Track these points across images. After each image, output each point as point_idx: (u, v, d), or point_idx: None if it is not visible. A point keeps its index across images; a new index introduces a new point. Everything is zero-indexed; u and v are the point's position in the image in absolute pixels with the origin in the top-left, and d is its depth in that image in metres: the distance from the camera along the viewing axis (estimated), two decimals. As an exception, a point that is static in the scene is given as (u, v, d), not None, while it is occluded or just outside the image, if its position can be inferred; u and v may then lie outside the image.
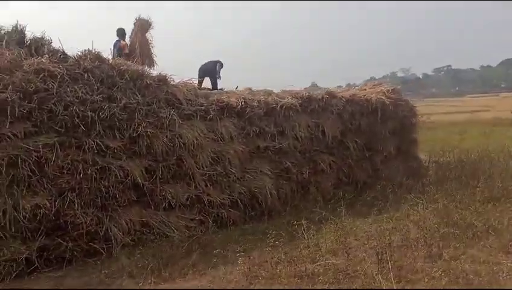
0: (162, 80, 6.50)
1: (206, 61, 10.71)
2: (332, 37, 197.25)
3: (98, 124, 5.56)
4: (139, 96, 6.05)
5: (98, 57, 5.91)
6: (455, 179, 6.90)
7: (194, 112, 6.55)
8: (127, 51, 9.38)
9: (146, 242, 5.67)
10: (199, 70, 10.58)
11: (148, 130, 5.88)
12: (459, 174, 7.23)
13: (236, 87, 10.00)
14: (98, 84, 5.76)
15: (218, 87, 9.84)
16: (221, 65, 10.67)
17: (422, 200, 5.64)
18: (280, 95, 7.59)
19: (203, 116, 6.63)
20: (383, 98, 8.06)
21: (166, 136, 6.08)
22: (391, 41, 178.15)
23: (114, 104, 5.72)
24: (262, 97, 7.27)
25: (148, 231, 5.78)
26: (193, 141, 6.29)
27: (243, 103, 7.01)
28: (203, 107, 6.66)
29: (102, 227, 5.42)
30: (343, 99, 7.75)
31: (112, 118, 5.67)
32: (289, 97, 7.52)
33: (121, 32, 9.58)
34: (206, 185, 6.37)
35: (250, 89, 9.88)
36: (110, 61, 6.05)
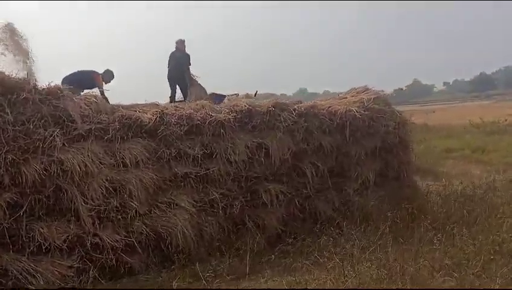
0: (52, 93, 5.50)
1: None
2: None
3: None
4: (9, 114, 5.09)
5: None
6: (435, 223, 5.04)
7: (88, 132, 5.45)
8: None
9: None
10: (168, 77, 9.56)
11: (10, 156, 4.89)
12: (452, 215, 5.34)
13: (256, 93, 8.73)
14: (-49, 101, 4.91)
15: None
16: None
17: (349, 260, 3.98)
18: (215, 109, 6.23)
19: (101, 136, 5.51)
20: (354, 110, 6.34)
21: (42, 162, 5.05)
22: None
23: (-35, 125, 4.82)
24: (187, 111, 5.97)
25: (4, 280, 4.77)
26: (79, 168, 5.18)
27: (157, 119, 5.77)
28: (101, 125, 5.54)
29: None
30: (295, 112, 6.18)
31: (-40, 142, 4.77)
32: (225, 111, 6.14)
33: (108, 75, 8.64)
34: (94, 223, 5.22)
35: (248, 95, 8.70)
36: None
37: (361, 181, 6.61)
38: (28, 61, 9.36)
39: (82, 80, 8.18)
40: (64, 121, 5.40)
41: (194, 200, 5.79)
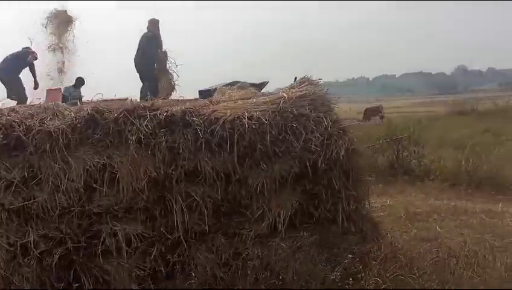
0: None
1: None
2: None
3: None
4: None
5: None
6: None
7: None
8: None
9: None
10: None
11: None
12: None
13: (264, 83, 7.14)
14: None
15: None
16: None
17: None
18: (63, 114, 4.61)
19: None
20: (245, 117, 4.22)
21: None
22: None
23: None
24: (9, 118, 4.45)
25: None
26: None
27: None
28: None
29: None
30: (155, 120, 4.28)
31: None
32: (72, 116, 4.50)
33: None
34: None
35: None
36: None
37: (270, 223, 4.48)
38: (62, 49, 8.99)
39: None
40: None
41: (8, 243, 4.28)
